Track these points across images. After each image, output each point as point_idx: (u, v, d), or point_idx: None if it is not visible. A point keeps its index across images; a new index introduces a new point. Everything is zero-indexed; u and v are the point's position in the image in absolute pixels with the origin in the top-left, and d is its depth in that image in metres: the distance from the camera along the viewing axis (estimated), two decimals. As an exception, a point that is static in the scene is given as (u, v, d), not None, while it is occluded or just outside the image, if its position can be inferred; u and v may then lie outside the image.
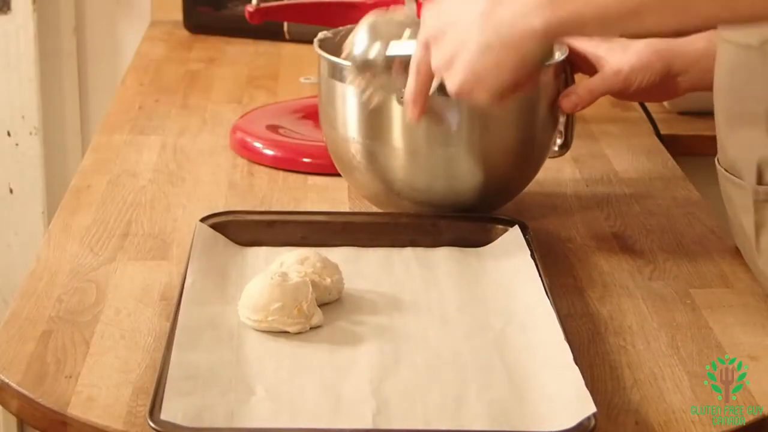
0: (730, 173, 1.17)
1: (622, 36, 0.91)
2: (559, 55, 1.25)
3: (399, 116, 1.20)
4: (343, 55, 1.08)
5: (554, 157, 1.34)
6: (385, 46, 1.00)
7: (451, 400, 0.95)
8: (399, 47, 1.01)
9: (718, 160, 1.21)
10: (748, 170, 1.14)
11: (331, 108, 1.26)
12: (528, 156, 1.27)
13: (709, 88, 1.29)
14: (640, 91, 1.27)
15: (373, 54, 0.99)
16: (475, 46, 0.90)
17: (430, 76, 1.00)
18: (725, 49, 1.16)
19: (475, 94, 0.94)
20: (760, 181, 1.12)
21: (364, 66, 0.99)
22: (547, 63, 0.95)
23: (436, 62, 0.96)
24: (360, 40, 1.00)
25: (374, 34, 1.00)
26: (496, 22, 0.90)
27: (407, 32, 1.01)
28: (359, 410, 0.93)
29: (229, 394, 0.94)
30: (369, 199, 1.31)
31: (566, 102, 1.25)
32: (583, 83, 1.26)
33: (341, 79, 1.22)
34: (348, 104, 1.23)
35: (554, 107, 1.25)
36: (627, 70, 1.25)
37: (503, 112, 0.97)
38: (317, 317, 1.04)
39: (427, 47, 0.98)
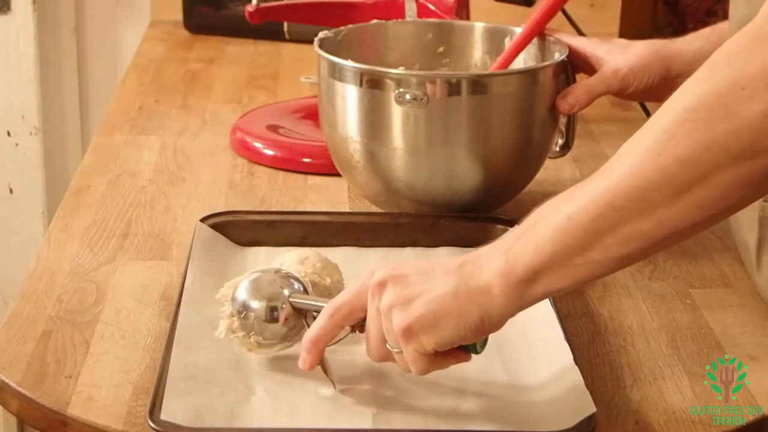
0: None
1: (584, 280, 0.92)
2: (558, 56, 1.25)
3: (398, 116, 1.20)
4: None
5: (555, 157, 1.34)
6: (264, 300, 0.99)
7: (451, 400, 0.95)
8: (299, 297, 1.00)
9: None
10: None
11: (330, 108, 1.26)
12: (527, 156, 1.27)
13: None
14: (638, 91, 1.27)
15: (257, 305, 0.99)
16: (441, 290, 0.90)
17: (344, 322, 0.96)
18: None
19: (422, 338, 0.90)
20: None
21: (244, 313, 0.99)
22: (482, 350, 0.94)
23: (389, 298, 0.91)
24: (242, 292, 1.00)
25: (256, 289, 0.99)
26: (464, 274, 0.90)
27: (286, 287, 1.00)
28: (359, 410, 0.93)
29: (229, 394, 0.95)
30: (368, 198, 1.31)
31: (563, 103, 1.25)
32: (580, 83, 1.27)
33: (341, 79, 1.23)
34: (348, 104, 1.23)
35: (553, 108, 1.25)
36: (626, 70, 1.25)
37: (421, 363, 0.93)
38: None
39: (379, 288, 0.92)
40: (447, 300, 0.89)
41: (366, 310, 0.93)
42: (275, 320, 0.98)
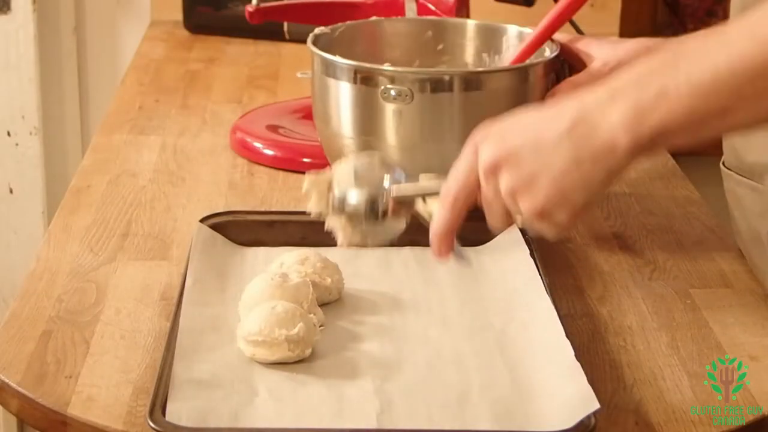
0: (745, 177, 1.16)
1: (709, 137, 0.88)
2: (549, 53, 1.25)
3: (392, 112, 1.20)
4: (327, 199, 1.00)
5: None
6: (366, 191, 0.94)
7: (454, 399, 0.95)
8: (402, 188, 0.95)
9: (724, 163, 1.21)
10: None
11: (324, 104, 1.26)
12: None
13: None
14: None
15: (356, 199, 0.94)
16: (561, 163, 0.86)
17: (466, 208, 0.93)
18: None
19: (556, 216, 0.88)
20: None
21: (353, 213, 0.94)
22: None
23: (509, 183, 0.88)
24: (343, 183, 0.95)
25: (357, 179, 0.95)
26: (581, 137, 0.86)
27: (386, 177, 0.96)
28: (363, 410, 0.93)
29: (233, 395, 0.94)
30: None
31: (551, 101, 1.25)
32: (568, 80, 1.26)
33: (334, 76, 1.23)
34: (341, 101, 1.23)
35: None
36: (614, 63, 1.25)
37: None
38: (317, 322, 1.04)
39: (492, 172, 0.90)
40: (571, 173, 0.86)
41: (480, 187, 0.91)
42: (380, 215, 0.94)
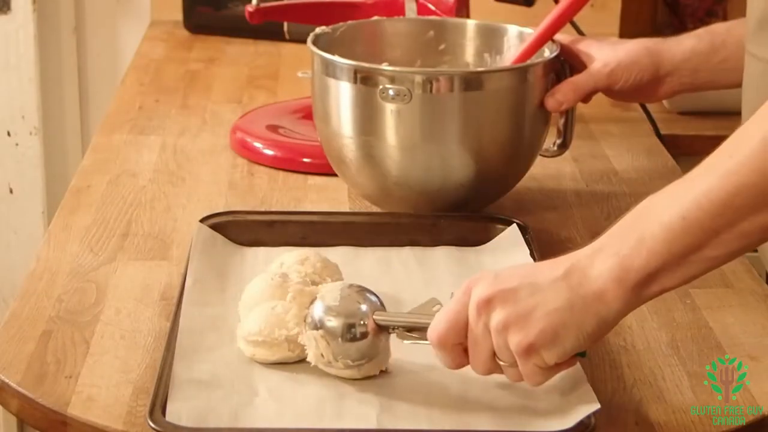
0: None
1: (700, 274, 0.91)
2: (548, 54, 1.25)
3: (392, 113, 1.20)
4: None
5: (553, 156, 1.34)
6: (346, 313, 0.95)
7: (454, 400, 0.95)
8: (385, 315, 0.96)
9: None
10: None
11: (324, 104, 1.26)
12: (518, 153, 1.27)
13: (697, 89, 1.29)
14: (627, 88, 1.27)
15: (335, 320, 0.95)
16: (557, 301, 0.88)
17: (456, 349, 0.92)
18: (752, 64, 1.15)
19: (543, 355, 0.88)
20: None
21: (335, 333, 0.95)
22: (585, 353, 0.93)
23: (500, 318, 0.88)
24: (326, 301, 0.96)
25: (340, 299, 0.96)
26: (574, 284, 0.88)
27: (367, 301, 0.97)
28: (363, 410, 0.93)
29: (233, 395, 0.94)
30: (361, 194, 1.31)
31: (551, 100, 1.25)
32: (568, 80, 1.26)
33: (334, 76, 1.23)
34: (341, 100, 1.23)
35: (543, 105, 1.25)
36: (614, 65, 1.25)
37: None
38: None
39: (485, 307, 0.90)
40: (564, 313, 0.88)
41: (468, 327, 0.91)
42: (360, 338, 0.95)
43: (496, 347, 0.90)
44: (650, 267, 0.87)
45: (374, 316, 0.96)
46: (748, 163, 0.84)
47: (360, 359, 0.95)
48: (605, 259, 0.88)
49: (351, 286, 0.98)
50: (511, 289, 0.90)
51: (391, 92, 1.19)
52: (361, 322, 0.96)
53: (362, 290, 0.98)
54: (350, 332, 0.95)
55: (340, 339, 0.95)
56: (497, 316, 0.89)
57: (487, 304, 0.90)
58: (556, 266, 0.90)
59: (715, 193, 0.85)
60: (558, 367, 0.91)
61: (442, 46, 1.38)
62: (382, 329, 0.97)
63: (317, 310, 0.97)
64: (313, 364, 0.97)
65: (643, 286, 0.88)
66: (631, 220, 0.89)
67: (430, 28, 1.38)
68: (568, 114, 1.30)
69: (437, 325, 0.93)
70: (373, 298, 0.98)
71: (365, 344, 0.96)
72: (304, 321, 0.97)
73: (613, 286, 0.88)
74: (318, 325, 0.96)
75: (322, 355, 0.96)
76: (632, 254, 0.87)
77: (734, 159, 0.85)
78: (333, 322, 0.95)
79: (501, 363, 0.91)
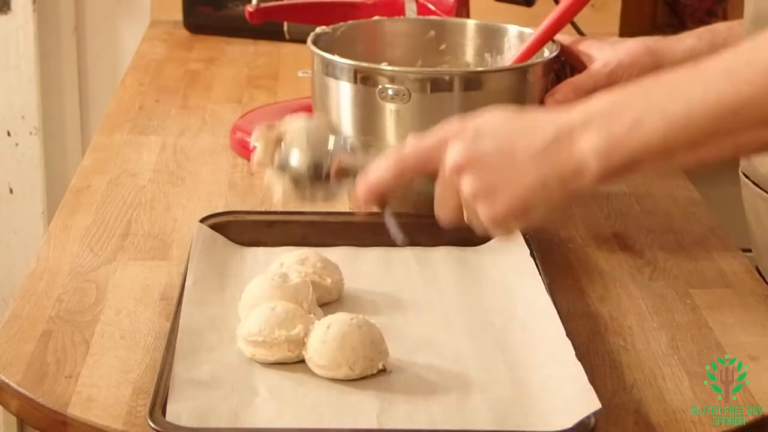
0: (761, 188, 1.16)
1: (676, 168, 0.89)
2: (548, 54, 1.25)
3: (391, 113, 1.20)
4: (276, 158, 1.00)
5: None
6: (311, 153, 0.95)
7: (454, 400, 0.95)
8: (350, 157, 0.96)
9: (743, 173, 1.20)
10: None
11: (324, 104, 1.26)
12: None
13: None
14: None
15: (301, 160, 0.95)
16: (528, 181, 0.87)
17: (408, 180, 0.93)
18: None
19: (510, 225, 0.90)
20: None
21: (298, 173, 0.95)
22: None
23: (471, 188, 0.89)
24: (292, 142, 0.96)
25: (306, 140, 0.95)
26: (551, 160, 0.87)
27: (332, 140, 0.96)
28: (363, 410, 0.93)
29: (233, 395, 0.94)
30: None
31: (551, 100, 1.25)
32: (568, 81, 1.26)
33: (334, 76, 1.23)
34: (341, 101, 1.23)
35: (543, 105, 1.25)
36: (614, 64, 1.25)
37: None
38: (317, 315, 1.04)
39: (457, 171, 0.90)
40: (536, 191, 0.88)
41: (432, 171, 0.91)
42: (325, 179, 0.94)
43: (466, 211, 0.91)
44: (639, 154, 0.85)
45: (340, 159, 0.94)
46: (766, 77, 0.81)
47: (323, 199, 0.94)
48: (595, 133, 0.86)
49: (318, 124, 0.96)
50: (485, 156, 0.89)
51: (390, 92, 1.19)
52: (327, 163, 0.94)
53: (328, 128, 0.96)
54: (316, 172, 0.94)
55: (306, 179, 0.94)
56: (467, 185, 0.89)
57: (459, 170, 0.89)
58: (536, 132, 0.88)
59: (726, 98, 0.82)
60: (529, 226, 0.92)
61: (442, 46, 1.38)
62: (347, 172, 0.95)
63: (285, 150, 0.94)
64: (280, 204, 0.95)
65: (623, 169, 0.86)
66: (629, 98, 0.87)
67: (430, 28, 1.38)
68: None
69: (405, 153, 0.92)
70: (338, 139, 0.95)
71: (330, 185, 0.94)
72: (271, 161, 0.95)
73: (595, 163, 0.86)
74: (283, 165, 0.94)
75: (285, 194, 0.95)
76: (624, 136, 0.85)
77: (752, 68, 0.82)
78: (299, 162, 0.94)
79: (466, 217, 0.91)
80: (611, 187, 1.40)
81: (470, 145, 0.90)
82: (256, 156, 0.97)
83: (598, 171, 0.86)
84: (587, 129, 0.87)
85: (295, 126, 0.96)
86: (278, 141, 0.96)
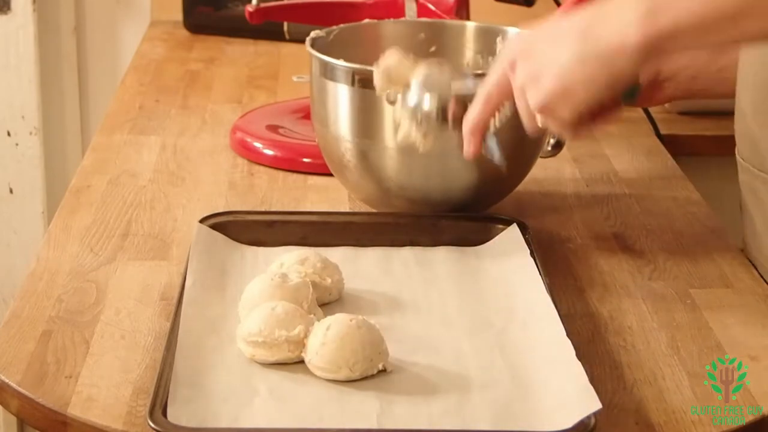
0: (762, 171, 1.16)
1: (717, 46, 0.90)
2: None
3: (390, 115, 1.20)
4: (399, 101, 1.09)
5: (548, 156, 1.34)
6: (437, 97, 1.02)
7: (454, 399, 0.95)
8: (462, 86, 1.02)
9: (739, 155, 1.20)
10: None
11: (322, 107, 1.26)
12: (520, 154, 1.26)
13: (694, 96, 1.29)
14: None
15: (428, 104, 1.02)
16: (567, 58, 0.89)
17: (498, 104, 0.98)
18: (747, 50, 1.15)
19: (558, 111, 0.91)
20: None
21: (425, 116, 1.02)
22: (633, 95, 0.95)
23: (521, 77, 0.93)
24: (415, 90, 1.03)
25: (428, 86, 1.02)
26: (592, 36, 0.89)
27: (455, 83, 1.03)
28: (363, 410, 0.93)
29: (233, 396, 0.94)
30: (361, 198, 1.31)
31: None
32: None
33: (333, 78, 1.23)
34: (339, 103, 1.23)
35: None
36: None
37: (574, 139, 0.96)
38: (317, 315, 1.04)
39: (511, 67, 0.95)
40: (574, 68, 0.89)
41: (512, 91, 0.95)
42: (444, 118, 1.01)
43: (520, 106, 0.95)
44: (680, 22, 0.86)
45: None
46: None
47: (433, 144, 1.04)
48: (635, 5, 0.87)
49: (447, 70, 1.03)
50: (531, 47, 0.93)
51: (398, 95, 1.18)
52: (451, 108, 1.02)
53: (452, 75, 1.03)
54: (443, 116, 1.02)
55: (435, 123, 1.02)
56: (518, 77, 0.93)
57: (512, 66, 0.94)
58: (581, 14, 0.91)
59: None
60: (591, 118, 0.93)
61: (432, 48, 1.37)
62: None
63: (418, 92, 1.02)
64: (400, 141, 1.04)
65: (665, 42, 0.87)
66: None
67: (421, 31, 1.38)
68: None
69: (485, 86, 0.99)
70: (461, 84, 1.02)
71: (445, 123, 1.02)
72: (401, 98, 1.03)
73: (635, 37, 0.87)
74: (415, 107, 1.02)
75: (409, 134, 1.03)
76: (666, 4, 0.86)
77: None
78: (430, 106, 1.02)
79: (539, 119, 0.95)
80: (612, 187, 1.40)
81: (520, 41, 0.94)
82: (380, 87, 1.06)
83: (638, 43, 0.87)
84: (627, 3, 0.88)
85: (427, 71, 1.03)
86: (407, 84, 1.03)
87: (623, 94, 0.94)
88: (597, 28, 0.89)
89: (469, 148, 0.99)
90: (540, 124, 0.98)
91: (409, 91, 1.02)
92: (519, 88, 0.94)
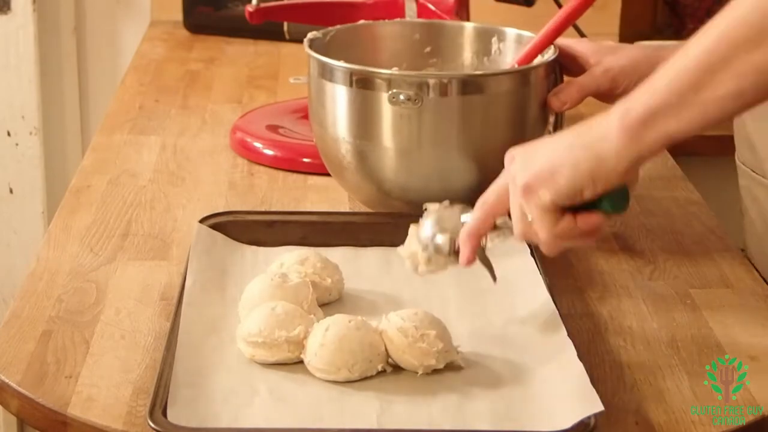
0: (760, 174, 1.16)
1: (704, 123, 0.95)
2: (549, 55, 1.25)
3: (389, 116, 1.20)
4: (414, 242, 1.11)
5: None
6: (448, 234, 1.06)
7: (454, 399, 0.95)
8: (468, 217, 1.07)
9: (739, 159, 1.20)
10: None
11: (320, 108, 1.26)
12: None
13: None
14: (626, 93, 1.27)
15: (440, 240, 1.06)
16: (558, 146, 0.96)
17: (495, 213, 1.02)
18: None
19: (540, 193, 0.96)
20: None
21: (435, 250, 1.07)
22: (618, 208, 0.99)
23: (516, 167, 0.98)
24: (427, 228, 1.07)
25: (439, 224, 1.07)
26: (582, 131, 0.96)
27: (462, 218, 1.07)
28: (363, 410, 0.93)
29: (233, 396, 0.94)
30: (360, 200, 1.31)
31: (555, 100, 1.25)
32: (572, 81, 1.26)
33: (331, 79, 1.23)
34: (338, 104, 1.23)
35: (544, 107, 1.25)
36: (616, 70, 1.25)
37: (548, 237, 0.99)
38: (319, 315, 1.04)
39: (510, 161, 1.01)
40: (562, 151, 0.95)
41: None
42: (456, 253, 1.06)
43: (511, 202, 0.99)
44: (650, 105, 0.92)
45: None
46: (749, 1, 0.88)
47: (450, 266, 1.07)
48: (614, 109, 0.95)
49: (454, 208, 1.07)
50: (532, 147, 1.00)
51: (401, 96, 1.18)
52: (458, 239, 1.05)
53: (460, 211, 1.07)
54: (455, 249, 1.05)
55: (448, 254, 1.06)
56: (513, 167, 0.99)
57: (511, 161, 1.00)
58: (573, 128, 0.98)
59: (713, 28, 0.90)
60: (573, 221, 0.97)
61: (427, 49, 1.37)
62: None
63: (430, 230, 1.07)
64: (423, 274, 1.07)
65: (644, 125, 0.92)
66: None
67: (417, 32, 1.38)
68: (558, 114, 1.30)
69: (484, 193, 1.03)
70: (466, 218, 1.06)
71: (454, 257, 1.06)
72: (416, 237, 1.07)
73: (615, 125, 0.93)
74: (427, 243, 1.06)
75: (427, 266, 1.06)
76: (636, 98, 0.93)
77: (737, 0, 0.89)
78: (443, 242, 1.06)
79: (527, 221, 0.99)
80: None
81: (526, 146, 1.01)
82: (409, 249, 1.09)
83: (618, 132, 0.93)
84: (610, 112, 0.95)
85: (438, 210, 1.08)
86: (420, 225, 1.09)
87: (609, 198, 0.96)
88: (586, 126, 0.96)
89: (464, 254, 1.04)
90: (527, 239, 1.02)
91: (424, 227, 1.08)
92: (512, 176, 0.99)
